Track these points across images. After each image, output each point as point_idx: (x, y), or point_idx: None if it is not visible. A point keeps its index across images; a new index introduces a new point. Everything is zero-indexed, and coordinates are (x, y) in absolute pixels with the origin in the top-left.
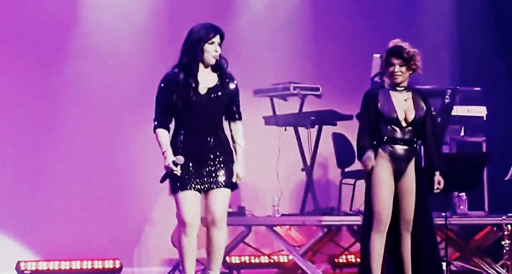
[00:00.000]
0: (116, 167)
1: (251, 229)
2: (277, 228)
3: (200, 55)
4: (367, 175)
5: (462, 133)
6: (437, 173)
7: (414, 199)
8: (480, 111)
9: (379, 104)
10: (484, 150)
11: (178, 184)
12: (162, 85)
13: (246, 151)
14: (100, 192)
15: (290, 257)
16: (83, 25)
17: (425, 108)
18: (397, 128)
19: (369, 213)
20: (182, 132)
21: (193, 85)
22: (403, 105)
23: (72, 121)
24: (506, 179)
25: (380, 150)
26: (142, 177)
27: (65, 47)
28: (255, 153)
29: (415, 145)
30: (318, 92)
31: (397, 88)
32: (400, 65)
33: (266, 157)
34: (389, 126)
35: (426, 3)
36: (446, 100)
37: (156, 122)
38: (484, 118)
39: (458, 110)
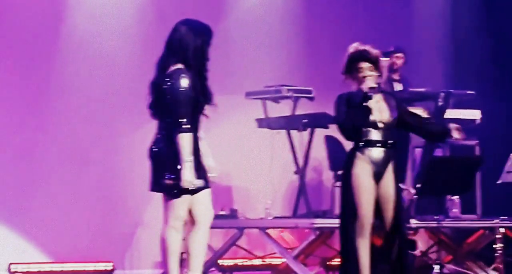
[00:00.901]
0: (109, 170)
1: (244, 232)
2: (269, 231)
3: (207, 57)
4: (345, 177)
5: None
6: (450, 126)
7: (394, 206)
8: (473, 114)
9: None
10: (477, 153)
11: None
12: (191, 85)
13: (239, 153)
14: (93, 195)
15: (283, 259)
16: (83, 25)
17: (397, 108)
18: (373, 130)
19: (349, 217)
20: (193, 135)
21: (208, 87)
22: (376, 106)
23: (69, 123)
24: (498, 182)
25: (358, 152)
26: (135, 180)
27: (65, 47)
28: (247, 155)
29: (393, 147)
30: (310, 95)
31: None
32: (371, 70)
33: (258, 160)
34: (365, 129)
35: (421, 6)
36: (440, 104)
37: (189, 125)
38: (478, 122)
39: (451, 114)
